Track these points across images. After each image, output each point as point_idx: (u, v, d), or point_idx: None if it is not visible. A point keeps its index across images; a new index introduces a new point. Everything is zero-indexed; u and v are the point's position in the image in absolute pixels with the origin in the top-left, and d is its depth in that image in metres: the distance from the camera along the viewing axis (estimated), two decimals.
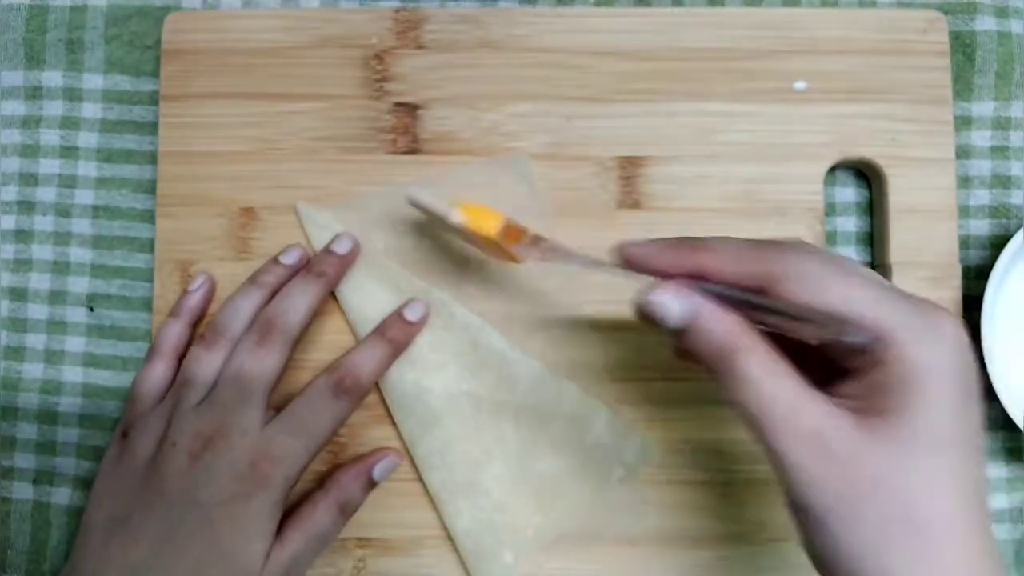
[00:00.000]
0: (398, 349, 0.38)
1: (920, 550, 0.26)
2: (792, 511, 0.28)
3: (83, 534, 0.35)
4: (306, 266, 0.39)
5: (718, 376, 0.29)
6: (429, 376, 0.39)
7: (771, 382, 0.28)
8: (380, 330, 0.39)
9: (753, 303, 0.29)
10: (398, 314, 0.39)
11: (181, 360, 0.39)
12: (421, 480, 0.39)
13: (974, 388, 0.28)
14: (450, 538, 0.39)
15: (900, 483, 0.26)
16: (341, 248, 0.39)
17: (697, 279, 0.30)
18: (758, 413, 0.27)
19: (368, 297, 0.40)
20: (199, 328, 0.40)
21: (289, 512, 0.36)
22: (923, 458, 0.26)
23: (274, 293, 0.38)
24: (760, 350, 0.28)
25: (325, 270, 0.38)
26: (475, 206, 0.35)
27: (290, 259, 0.39)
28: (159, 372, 0.38)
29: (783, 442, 0.27)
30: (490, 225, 0.35)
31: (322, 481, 0.38)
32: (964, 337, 0.28)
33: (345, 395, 0.36)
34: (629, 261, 0.31)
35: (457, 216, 0.35)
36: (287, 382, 0.39)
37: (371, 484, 0.38)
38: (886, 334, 0.27)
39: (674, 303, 0.29)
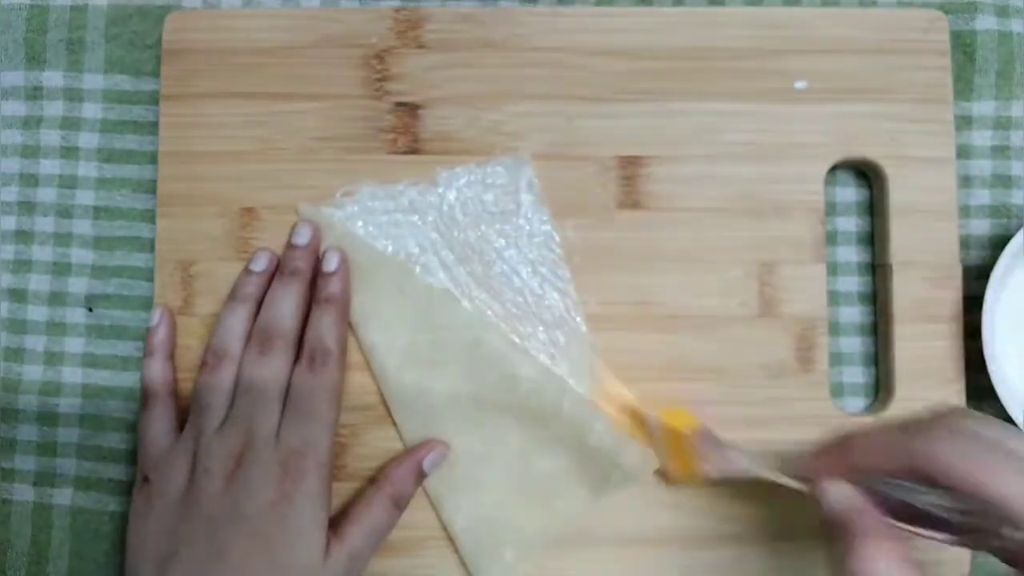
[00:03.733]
0: (344, 305, 0.39)
1: None
2: None
3: None
4: (279, 267, 0.39)
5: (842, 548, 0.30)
6: (430, 375, 0.39)
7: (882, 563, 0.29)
8: (323, 296, 0.39)
9: (913, 494, 0.31)
10: (323, 272, 0.39)
11: (174, 394, 0.39)
12: None
13: None
14: (451, 539, 0.39)
15: None
16: (301, 239, 0.39)
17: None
18: None
19: (371, 293, 0.40)
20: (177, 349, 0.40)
21: (344, 511, 0.37)
22: None
23: (258, 301, 0.39)
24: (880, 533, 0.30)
25: (297, 266, 0.39)
26: (673, 410, 0.38)
27: (260, 265, 0.40)
28: (160, 412, 0.38)
29: None
30: (687, 424, 0.37)
31: (373, 478, 0.38)
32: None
33: (322, 366, 0.37)
34: (799, 476, 0.34)
35: (653, 419, 0.37)
36: None
37: (422, 475, 0.38)
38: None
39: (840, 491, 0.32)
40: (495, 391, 0.39)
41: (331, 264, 0.39)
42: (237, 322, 0.38)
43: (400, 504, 0.38)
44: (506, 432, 0.39)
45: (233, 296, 0.39)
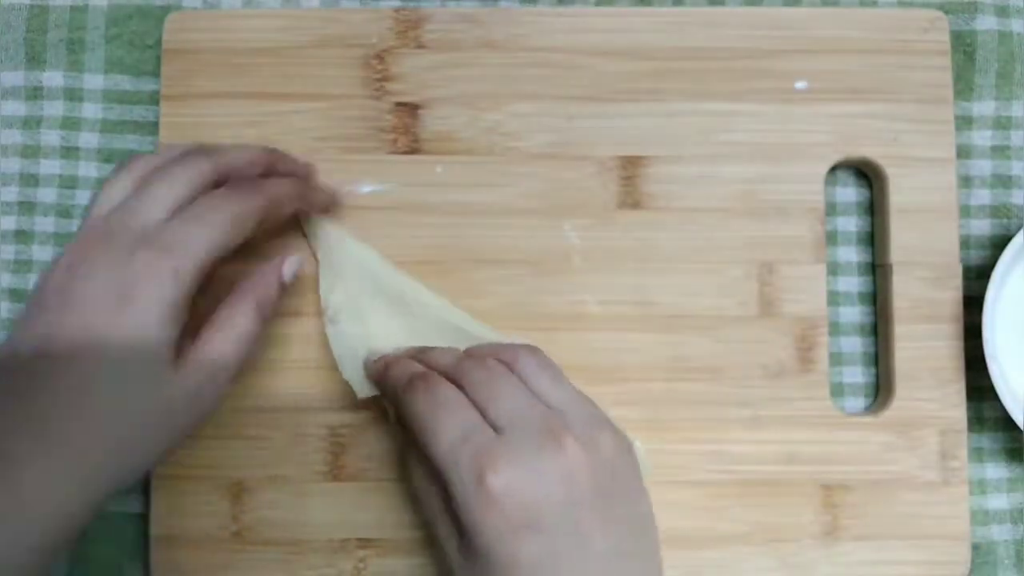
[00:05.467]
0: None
1: None
2: None
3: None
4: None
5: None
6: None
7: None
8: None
9: None
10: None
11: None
12: None
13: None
14: None
15: None
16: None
17: None
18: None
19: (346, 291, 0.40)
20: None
21: (205, 321, 0.34)
22: None
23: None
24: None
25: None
26: None
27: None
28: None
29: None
30: None
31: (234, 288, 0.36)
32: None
33: (237, 190, 0.35)
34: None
35: None
36: (272, 383, 0.39)
37: (283, 285, 0.37)
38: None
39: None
40: None
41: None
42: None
43: (263, 311, 0.35)
44: None
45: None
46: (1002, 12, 0.43)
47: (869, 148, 0.40)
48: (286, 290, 0.37)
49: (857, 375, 0.42)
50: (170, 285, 0.32)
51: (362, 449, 0.39)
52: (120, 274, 0.32)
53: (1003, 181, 0.42)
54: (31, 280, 0.42)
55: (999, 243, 0.41)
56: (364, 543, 0.39)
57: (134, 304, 0.31)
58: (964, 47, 0.43)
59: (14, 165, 0.43)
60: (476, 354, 0.36)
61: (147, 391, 0.32)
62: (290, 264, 0.37)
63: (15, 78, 0.43)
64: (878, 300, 0.41)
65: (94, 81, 0.43)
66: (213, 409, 0.34)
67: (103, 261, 0.32)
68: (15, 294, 0.42)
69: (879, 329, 0.41)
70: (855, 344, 0.42)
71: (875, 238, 0.42)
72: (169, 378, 0.32)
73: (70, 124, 0.43)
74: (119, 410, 0.31)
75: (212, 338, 0.34)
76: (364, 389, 0.38)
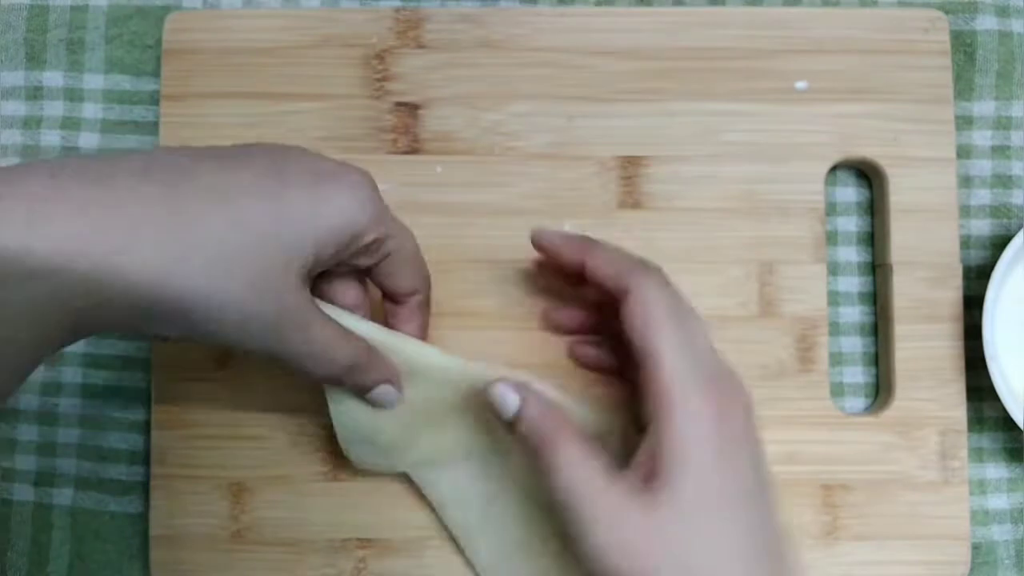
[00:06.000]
0: None
1: None
2: None
3: None
4: None
5: (538, 465, 0.31)
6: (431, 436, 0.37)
7: (578, 469, 0.29)
8: None
9: None
10: None
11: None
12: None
13: (742, 444, 0.30)
14: (452, 539, 0.39)
15: (683, 558, 0.28)
16: None
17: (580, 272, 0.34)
18: (564, 499, 0.29)
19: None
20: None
21: None
22: (699, 525, 0.28)
23: None
24: (573, 441, 0.30)
25: None
26: None
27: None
28: None
29: (583, 527, 0.29)
30: None
31: None
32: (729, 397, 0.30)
33: None
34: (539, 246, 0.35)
35: None
36: (272, 383, 0.39)
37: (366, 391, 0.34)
38: (662, 394, 0.29)
39: (508, 393, 0.32)
40: (495, 441, 0.37)
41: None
42: None
43: (351, 374, 0.33)
44: (515, 470, 0.37)
45: None
46: (1002, 12, 0.43)
47: (869, 148, 0.40)
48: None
49: (857, 375, 0.42)
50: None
51: None
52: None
53: (1003, 181, 0.42)
54: None
55: (999, 243, 0.41)
56: (364, 543, 0.39)
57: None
58: (964, 47, 0.43)
59: None
60: None
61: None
62: (383, 392, 0.34)
63: (15, 78, 0.43)
64: (878, 300, 0.41)
65: (94, 81, 0.43)
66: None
67: None
68: None
69: (879, 329, 0.41)
70: (855, 344, 0.42)
71: (875, 238, 0.42)
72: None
73: (70, 124, 0.43)
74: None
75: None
76: (362, 462, 0.37)
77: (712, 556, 0.28)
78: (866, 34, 0.41)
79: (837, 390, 0.41)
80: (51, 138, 0.43)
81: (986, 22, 0.43)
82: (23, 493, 0.42)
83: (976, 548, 0.40)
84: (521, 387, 0.32)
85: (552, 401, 0.32)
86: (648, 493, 0.29)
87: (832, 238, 0.42)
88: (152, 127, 0.42)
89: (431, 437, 0.36)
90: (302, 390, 0.39)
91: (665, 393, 0.29)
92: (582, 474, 0.29)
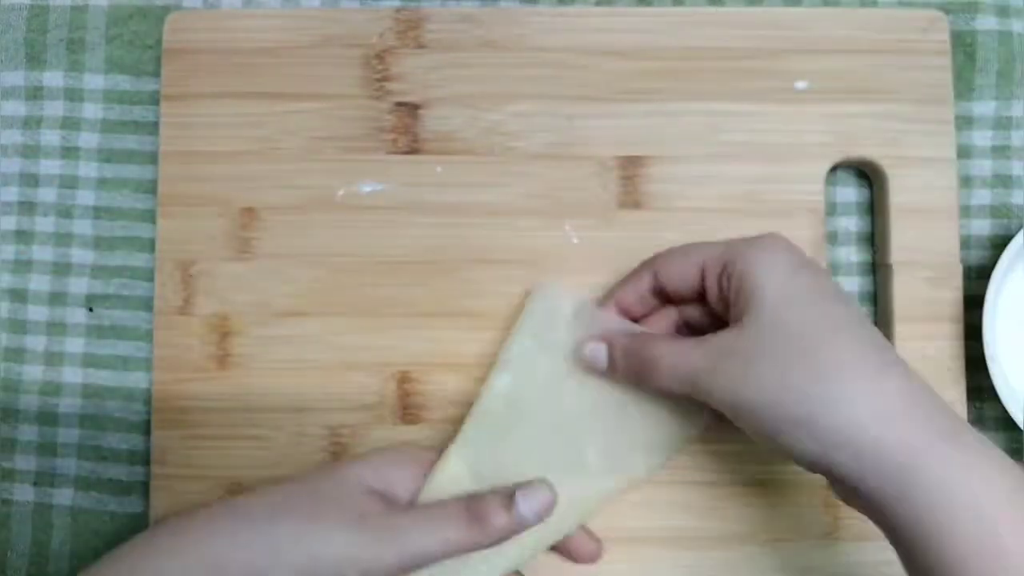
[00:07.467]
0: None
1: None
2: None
3: None
4: None
5: (641, 378, 0.34)
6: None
7: (679, 353, 0.33)
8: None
9: None
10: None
11: None
12: None
13: (826, 288, 0.32)
14: None
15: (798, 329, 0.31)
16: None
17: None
18: (671, 379, 0.33)
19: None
20: None
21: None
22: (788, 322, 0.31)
23: None
24: (659, 337, 0.35)
25: None
26: None
27: None
28: None
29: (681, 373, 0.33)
30: None
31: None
32: (780, 241, 0.34)
33: None
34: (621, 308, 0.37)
35: None
36: (272, 383, 0.39)
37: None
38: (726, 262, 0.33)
39: (598, 347, 0.36)
40: None
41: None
42: None
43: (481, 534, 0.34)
44: None
45: None
46: (1002, 12, 0.43)
47: (869, 148, 0.40)
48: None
49: None
50: None
51: (362, 449, 0.39)
52: None
53: (1003, 181, 0.42)
54: (31, 280, 0.42)
55: (999, 243, 0.41)
56: None
57: None
58: (964, 47, 0.43)
59: (14, 165, 0.43)
60: None
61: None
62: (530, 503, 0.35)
63: (15, 78, 0.43)
64: (878, 300, 0.41)
65: (94, 81, 0.43)
66: None
67: None
68: (15, 294, 0.42)
69: (879, 329, 0.41)
70: None
71: (875, 238, 0.42)
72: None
73: (70, 124, 0.43)
74: None
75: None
76: None
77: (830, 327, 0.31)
78: (866, 34, 0.41)
79: None
80: (51, 138, 0.43)
81: (986, 22, 0.43)
82: (23, 493, 0.42)
83: None
84: (606, 336, 0.36)
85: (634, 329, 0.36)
86: (736, 327, 0.32)
87: (832, 238, 0.42)
88: (152, 127, 0.42)
89: None
90: (302, 389, 0.40)
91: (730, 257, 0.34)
92: (684, 354, 0.33)
